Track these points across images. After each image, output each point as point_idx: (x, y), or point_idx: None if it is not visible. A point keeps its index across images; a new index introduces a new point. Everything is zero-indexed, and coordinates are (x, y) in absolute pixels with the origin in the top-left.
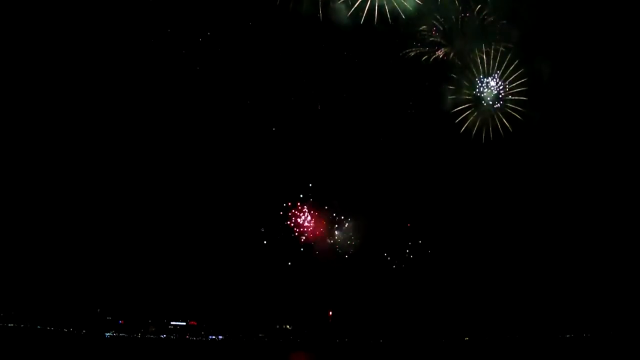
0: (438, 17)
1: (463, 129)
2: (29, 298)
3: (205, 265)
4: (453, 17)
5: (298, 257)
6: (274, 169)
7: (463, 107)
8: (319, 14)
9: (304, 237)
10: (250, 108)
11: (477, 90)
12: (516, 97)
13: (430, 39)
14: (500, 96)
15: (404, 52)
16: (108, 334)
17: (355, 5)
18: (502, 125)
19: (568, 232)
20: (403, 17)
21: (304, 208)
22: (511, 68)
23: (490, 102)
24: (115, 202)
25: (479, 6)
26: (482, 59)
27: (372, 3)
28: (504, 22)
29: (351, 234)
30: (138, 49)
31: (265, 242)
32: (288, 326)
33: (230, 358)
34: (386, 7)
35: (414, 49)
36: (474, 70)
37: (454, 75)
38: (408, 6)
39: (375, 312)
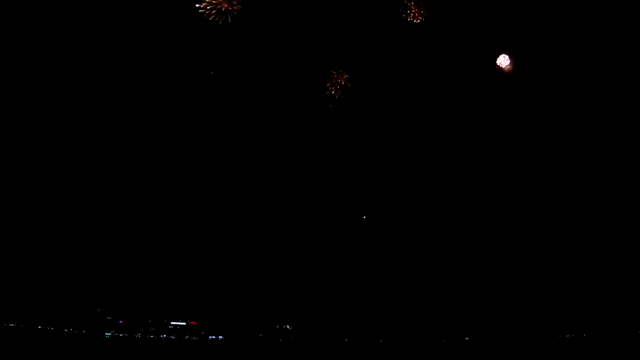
0: None
1: None
2: (29, 298)
3: (205, 265)
4: None
5: (298, 256)
6: (273, 167)
7: None
8: None
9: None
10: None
11: None
12: None
13: None
14: None
15: None
16: (108, 334)
17: None
18: None
19: (568, 231)
20: None
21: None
22: None
23: None
24: (115, 201)
25: None
26: None
27: None
28: None
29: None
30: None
31: (265, 241)
32: (288, 326)
33: (230, 358)
34: None
35: None
36: None
37: None
38: None
39: (374, 311)
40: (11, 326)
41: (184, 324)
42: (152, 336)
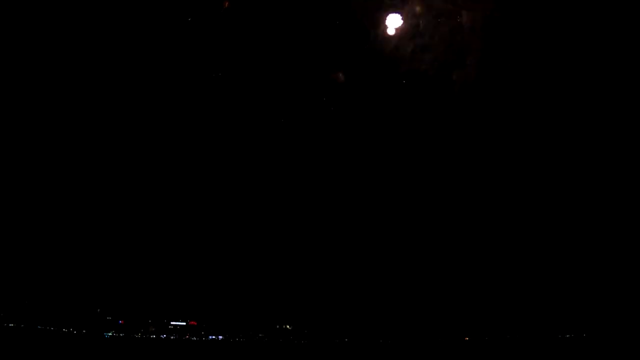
0: None
1: None
2: (29, 298)
3: (205, 265)
4: None
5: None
6: (273, 167)
7: None
8: None
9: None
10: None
11: None
12: None
13: None
14: None
15: None
16: (108, 334)
17: None
18: None
19: (568, 231)
20: None
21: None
22: None
23: None
24: (114, 200)
25: None
26: None
27: None
28: None
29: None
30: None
31: (265, 241)
32: (288, 326)
33: (230, 358)
34: None
35: None
36: None
37: None
38: None
39: (375, 311)
40: (11, 326)
41: (184, 324)
42: (152, 336)
